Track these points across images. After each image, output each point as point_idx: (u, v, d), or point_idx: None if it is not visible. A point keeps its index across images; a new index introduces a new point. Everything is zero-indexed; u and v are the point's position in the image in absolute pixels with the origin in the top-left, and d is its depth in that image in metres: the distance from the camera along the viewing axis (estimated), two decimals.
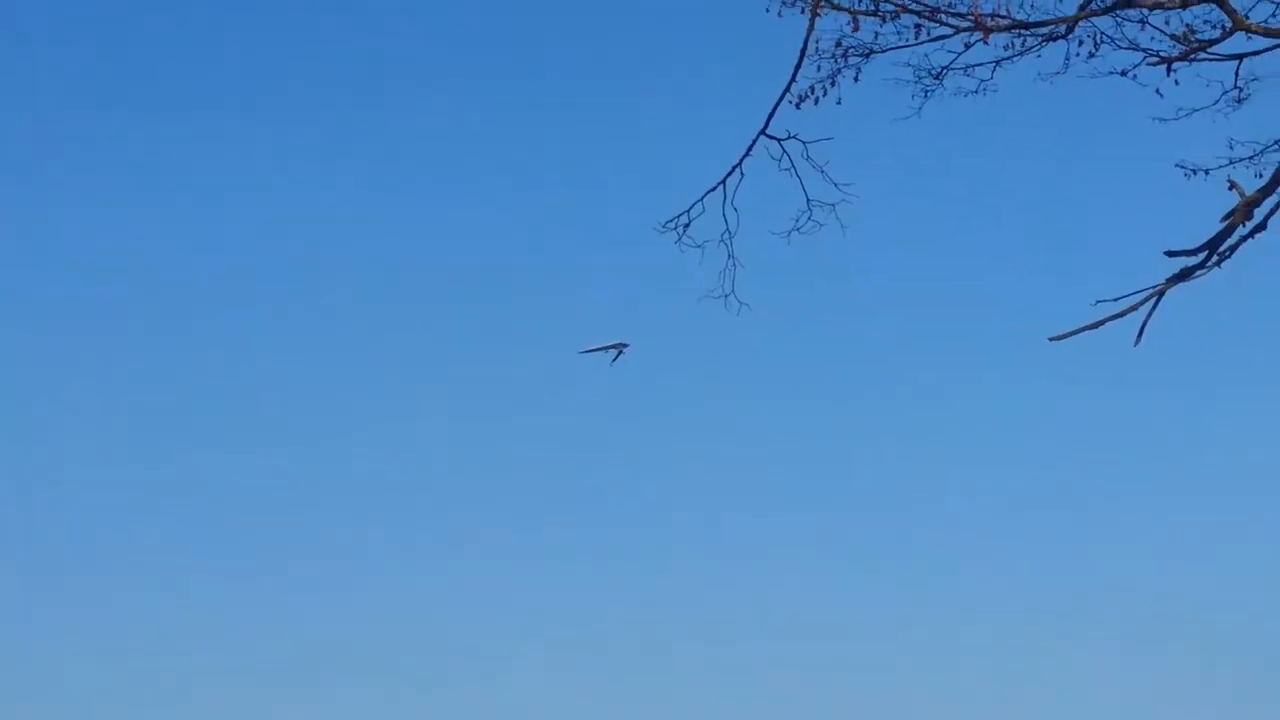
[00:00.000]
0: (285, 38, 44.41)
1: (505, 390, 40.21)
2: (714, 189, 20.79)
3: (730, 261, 21.02)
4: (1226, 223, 20.38)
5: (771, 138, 20.61)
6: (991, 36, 20.45)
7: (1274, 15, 20.86)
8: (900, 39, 20.58)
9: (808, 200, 20.93)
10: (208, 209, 42.91)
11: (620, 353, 22.02)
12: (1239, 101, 21.28)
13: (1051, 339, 20.50)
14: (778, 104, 20.48)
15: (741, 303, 21.19)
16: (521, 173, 42.42)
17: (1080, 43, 20.80)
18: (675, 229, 20.89)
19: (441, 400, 39.60)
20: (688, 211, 20.84)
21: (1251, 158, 21.19)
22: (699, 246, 21.00)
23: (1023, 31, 20.59)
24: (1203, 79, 21.13)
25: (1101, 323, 20.31)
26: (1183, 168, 21.31)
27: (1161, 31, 20.84)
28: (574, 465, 38.80)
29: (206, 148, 43.22)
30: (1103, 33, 20.78)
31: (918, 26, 20.49)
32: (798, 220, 21.04)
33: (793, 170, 20.74)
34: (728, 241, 20.98)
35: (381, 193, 42.72)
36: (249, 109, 44.10)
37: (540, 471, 38.78)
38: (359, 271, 41.95)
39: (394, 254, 42.28)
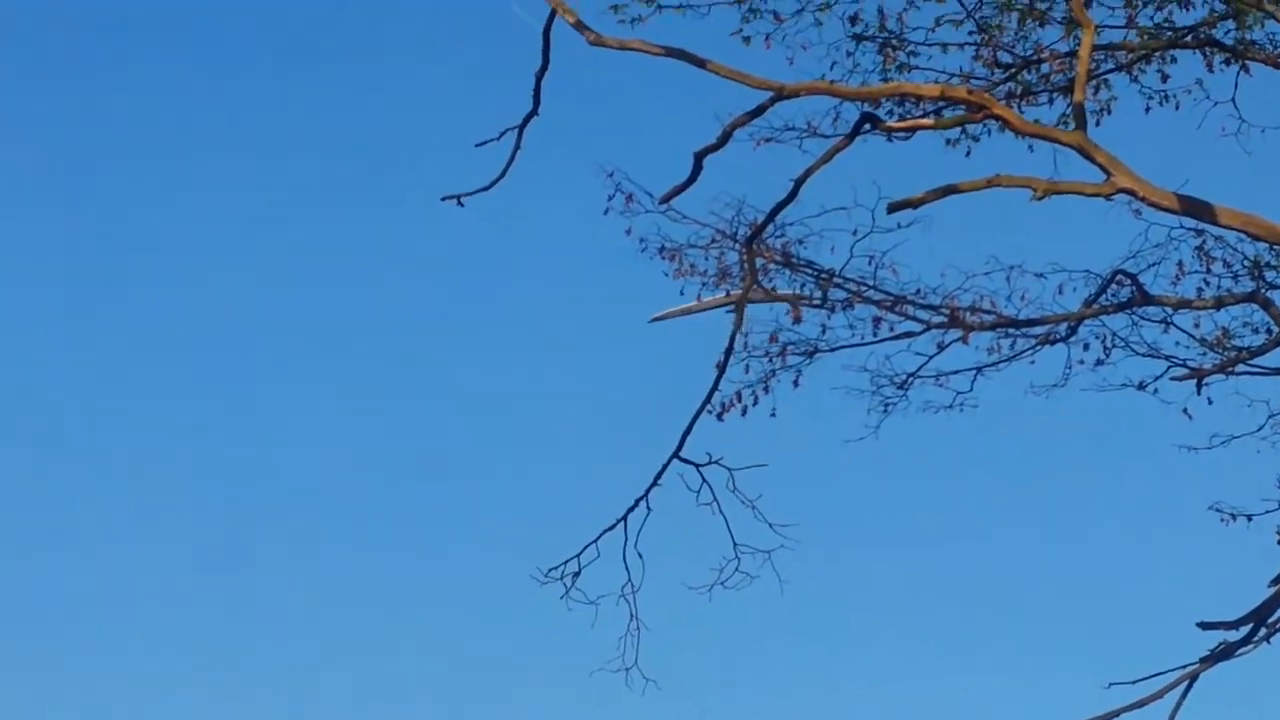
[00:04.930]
0: None
1: None
2: (612, 528, 17.38)
3: (633, 624, 17.63)
4: (1277, 588, 17.51)
5: (687, 462, 17.20)
6: (972, 336, 18.04)
7: None
8: (854, 335, 18.11)
9: (734, 545, 17.57)
10: None
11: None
12: None
13: None
14: (696, 417, 16.97)
15: (647, 678, 17.75)
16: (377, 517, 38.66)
17: (1086, 347, 18.39)
18: (561, 580, 17.54)
19: None
20: (577, 557, 17.47)
21: None
22: (592, 603, 17.61)
23: (1012, 331, 18.14)
24: (1244, 398, 18.52)
25: (1118, 713, 17.34)
26: (1219, 511, 18.66)
27: (1190, 336, 18.41)
28: None
29: None
30: (1115, 335, 18.35)
31: (877, 320, 17.99)
32: (722, 570, 17.62)
33: (715, 505, 17.34)
34: (630, 597, 17.60)
35: None
36: None
37: None
38: None
39: None
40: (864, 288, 17.71)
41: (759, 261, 17.10)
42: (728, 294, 17.88)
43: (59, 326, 37.93)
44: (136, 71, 38.65)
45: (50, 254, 38.41)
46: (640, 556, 17.41)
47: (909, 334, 18.09)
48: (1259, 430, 18.45)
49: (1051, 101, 18.29)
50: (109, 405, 36.67)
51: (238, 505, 35.98)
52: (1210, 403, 18.27)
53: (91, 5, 38.03)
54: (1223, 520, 18.55)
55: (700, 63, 14.51)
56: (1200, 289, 18.03)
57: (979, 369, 18.30)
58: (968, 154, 17.91)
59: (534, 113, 15.19)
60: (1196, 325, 18.20)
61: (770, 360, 17.95)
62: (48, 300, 37.97)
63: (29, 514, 36.14)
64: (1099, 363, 18.29)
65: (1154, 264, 17.88)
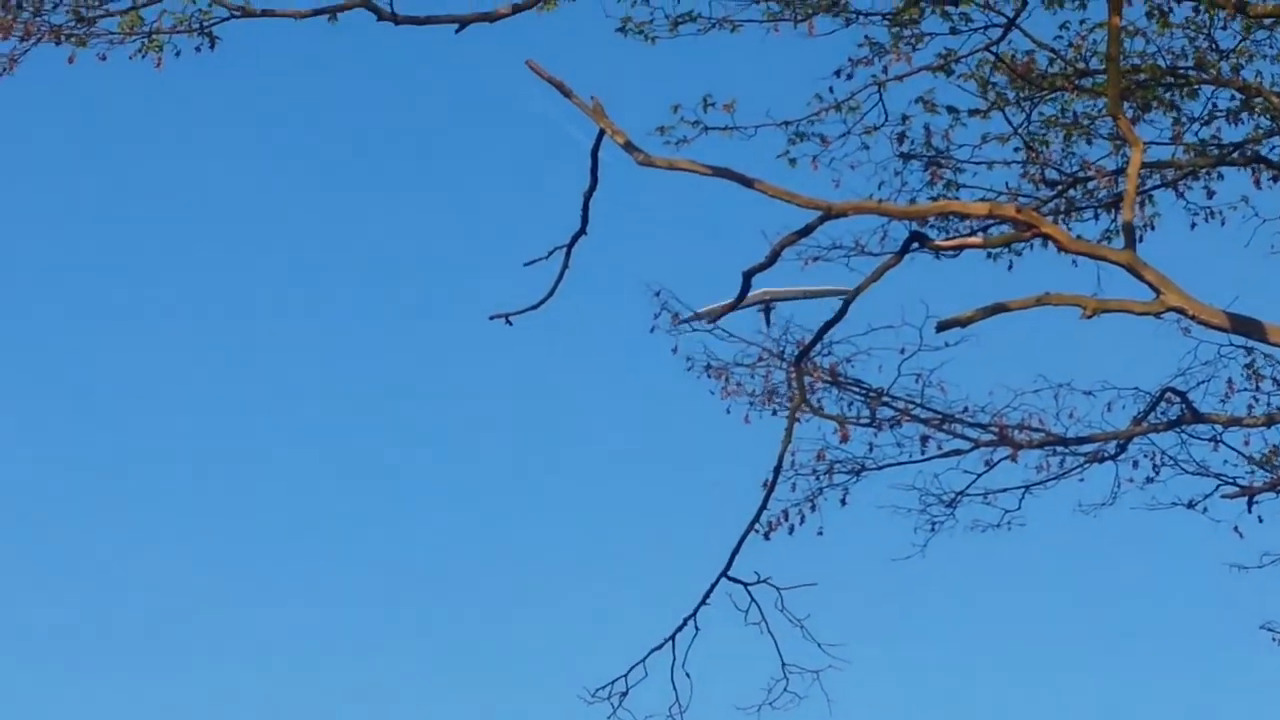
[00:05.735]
0: None
1: None
2: (660, 647, 16.85)
3: None
4: None
5: (736, 581, 16.67)
6: (1020, 455, 17.49)
7: None
8: (902, 453, 17.64)
9: (783, 665, 16.99)
10: None
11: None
12: None
13: None
14: (744, 536, 16.52)
15: None
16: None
17: (1135, 465, 17.88)
18: (609, 699, 16.95)
19: None
20: (625, 676, 16.88)
21: None
22: None
23: (1060, 449, 17.61)
24: None
25: None
26: (1270, 631, 18.42)
27: (1240, 454, 17.90)
28: None
29: None
30: (1164, 453, 17.86)
31: (925, 438, 17.53)
32: (770, 691, 17.02)
33: (763, 624, 16.76)
34: (678, 718, 16.98)
35: None
36: None
37: None
38: None
39: None
40: (912, 406, 17.26)
41: (807, 380, 16.68)
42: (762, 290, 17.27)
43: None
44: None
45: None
46: (688, 676, 16.81)
47: (957, 452, 17.63)
48: None
49: (1097, 217, 17.95)
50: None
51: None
52: (1261, 521, 17.78)
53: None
54: (1274, 639, 18.21)
55: (748, 182, 14.13)
56: (1250, 406, 17.59)
57: (1027, 487, 17.85)
58: (1009, 267, 17.65)
59: (582, 231, 14.83)
60: (1246, 443, 17.73)
61: (817, 478, 17.50)
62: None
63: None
64: (1148, 481, 17.83)
65: (1203, 382, 17.51)
